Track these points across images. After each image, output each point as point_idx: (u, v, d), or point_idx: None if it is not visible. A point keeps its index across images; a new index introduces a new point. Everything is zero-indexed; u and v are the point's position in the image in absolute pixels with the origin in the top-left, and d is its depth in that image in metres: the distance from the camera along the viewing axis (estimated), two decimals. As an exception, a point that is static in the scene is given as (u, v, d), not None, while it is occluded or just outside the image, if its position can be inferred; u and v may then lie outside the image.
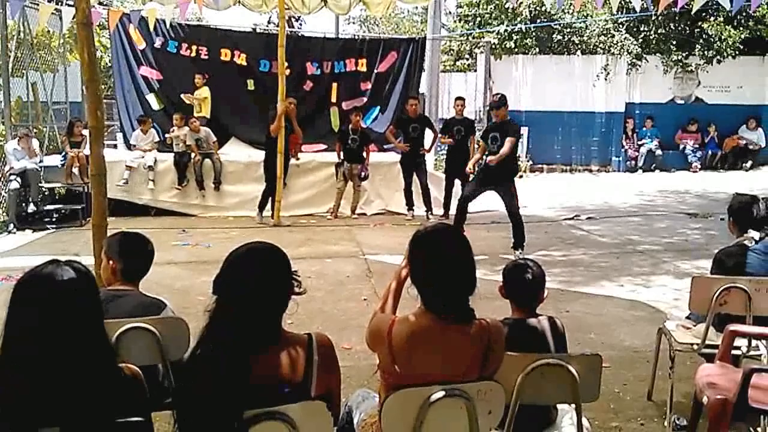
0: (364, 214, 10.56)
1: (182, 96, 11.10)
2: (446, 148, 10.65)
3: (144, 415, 2.04)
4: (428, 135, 10.41)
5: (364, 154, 10.24)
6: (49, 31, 11.34)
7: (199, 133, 10.53)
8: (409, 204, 10.27)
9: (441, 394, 2.17)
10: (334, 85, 11.93)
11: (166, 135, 10.83)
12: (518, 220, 7.92)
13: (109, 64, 12.32)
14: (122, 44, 11.21)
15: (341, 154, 10.28)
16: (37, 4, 10.42)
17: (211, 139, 10.67)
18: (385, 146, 11.35)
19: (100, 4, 10.19)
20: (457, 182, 9.82)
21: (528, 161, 16.23)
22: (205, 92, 11.17)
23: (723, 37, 15.87)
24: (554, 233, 9.38)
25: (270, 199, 9.71)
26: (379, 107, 12.07)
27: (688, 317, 4.11)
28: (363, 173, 10.24)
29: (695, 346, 3.72)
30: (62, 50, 12.19)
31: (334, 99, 11.95)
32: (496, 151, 7.79)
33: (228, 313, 2.04)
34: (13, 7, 9.67)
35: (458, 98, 10.45)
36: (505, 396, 2.34)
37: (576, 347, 4.34)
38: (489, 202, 10.44)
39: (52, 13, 10.61)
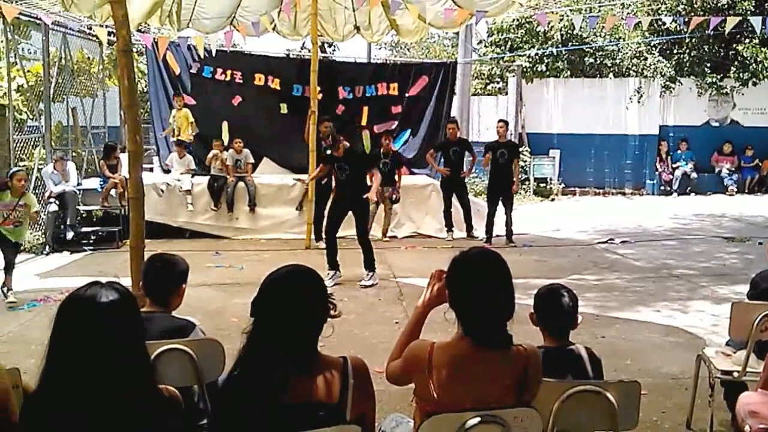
0: (395, 236, 10.54)
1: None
2: (488, 171, 10.63)
3: (182, 437, 2.04)
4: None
5: (396, 177, 10.27)
6: (88, 57, 11.62)
7: (240, 153, 10.69)
8: (449, 225, 10.35)
9: (477, 420, 2.15)
10: (365, 108, 11.99)
11: (208, 157, 10.74)
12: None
13: (146, 89, 12.57)
14: (159, 70, 11.43)
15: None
16: (81, 31, 10.68)
17: (249, 160, 10.81)
18: (414, 170, 11.37)
19: (139, 31, 10.38)
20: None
21: (560, 184, 16.15)
22: (184, 114, 11.14)
23: (759, 59, 15.69)
24: (587, 257, 9.28)
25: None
26: (410, 130, 12.12)
27: (727, 344, 4.05)
28: (394, 196, 10.26)
29: (735, 374, 3.66)
30: (101, 76, 12.51)
31: (364, 122, 12.01)
32: None
33: (266, 335, 2.06)
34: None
35: (501, 121, 10.50)
36: (542, 423, 2.30)
37: (612, 374, 4.25)
38: (520, 224, 10.42)
39: (92, 40, 10.82)
